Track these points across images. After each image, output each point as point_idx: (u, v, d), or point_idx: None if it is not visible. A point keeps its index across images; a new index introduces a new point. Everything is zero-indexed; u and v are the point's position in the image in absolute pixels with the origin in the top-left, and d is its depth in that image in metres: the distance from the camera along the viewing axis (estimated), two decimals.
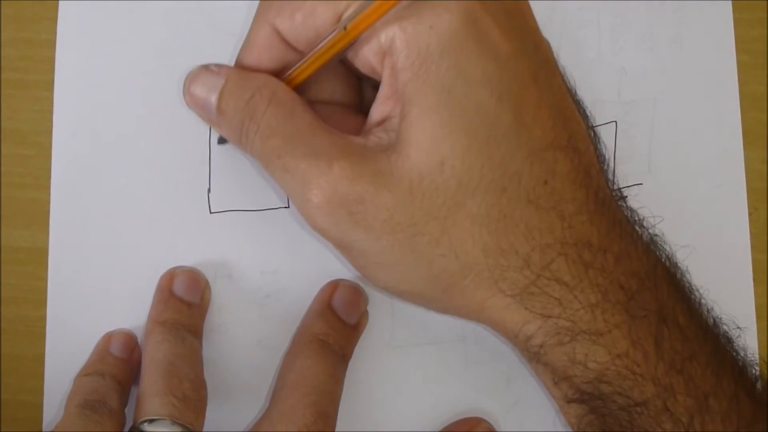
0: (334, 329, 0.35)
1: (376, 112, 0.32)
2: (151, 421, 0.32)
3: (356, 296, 0.36)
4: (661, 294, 0.31)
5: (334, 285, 0.37)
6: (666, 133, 0.38)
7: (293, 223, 0.37)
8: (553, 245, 0.30)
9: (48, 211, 0.38)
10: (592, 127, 0.34)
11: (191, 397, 0.33)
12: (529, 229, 0.30)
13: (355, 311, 0.36)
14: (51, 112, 0.38)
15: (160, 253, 0.37)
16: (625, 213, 0.32)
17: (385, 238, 0.31)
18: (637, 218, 0.33)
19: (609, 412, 0.31)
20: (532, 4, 0.32)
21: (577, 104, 0.33)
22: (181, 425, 0.32)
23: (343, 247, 0.32)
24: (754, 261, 0.38)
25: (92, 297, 0.37)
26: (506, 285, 0.31)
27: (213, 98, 0.33)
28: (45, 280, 0.37)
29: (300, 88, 0.33)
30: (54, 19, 0.39)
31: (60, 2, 0.39)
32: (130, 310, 0.37)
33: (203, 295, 0.37)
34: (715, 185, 0.38)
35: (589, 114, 0.34)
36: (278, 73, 0.33)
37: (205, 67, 0.33)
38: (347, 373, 0.36)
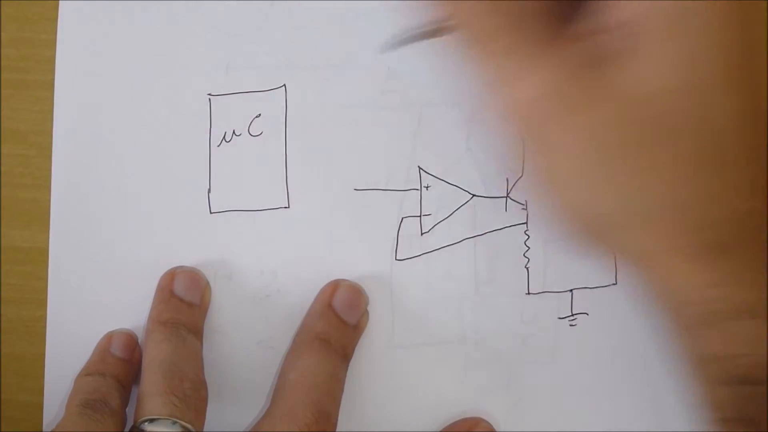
0: (334, 329, 0.35)
1: (612, 16, 0.28)
2: (151, 420, 0.32)
3: (356, 296, 0.36)
4: None
5: (335, 285, 0.37)
6: None
7: (293, 223, 0.37)
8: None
9: (48, 211, 0.38)
10: None
11: (192, 397, 0.33)
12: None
13: (356, 311, 0.36)
14: (51, 112, 0.38)
15: (160, 253, 0.37)
16: None
17: (590, 155, 0.28)
18: None
19: None
20: None
21: None
22: (182, 425, 0.32)
23: (540, 146, 0.29)
24: None
25: (92, 297, 0.37)
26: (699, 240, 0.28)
27: None
28: (45, 280, 0.37)
29: None
30: (54, 19, 0.38)
31: (60, 2, 0.39)
32: (130, 310, 0.37)
33: (203, 295, 0.37)
34: None
35: None
36: None
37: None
38: (347, 373, 0.36)
